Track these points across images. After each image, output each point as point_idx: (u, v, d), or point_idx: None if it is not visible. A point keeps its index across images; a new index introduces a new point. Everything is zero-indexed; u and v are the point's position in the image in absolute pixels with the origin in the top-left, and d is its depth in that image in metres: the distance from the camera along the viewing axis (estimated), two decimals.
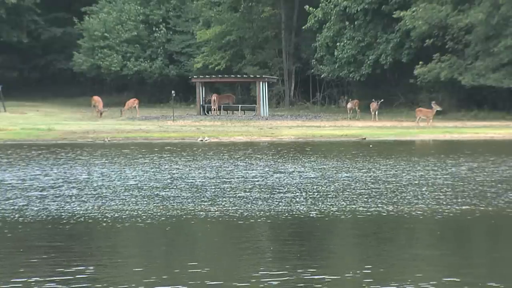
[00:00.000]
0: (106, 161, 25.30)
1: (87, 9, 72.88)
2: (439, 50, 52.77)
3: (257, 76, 58.43)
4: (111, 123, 47.22)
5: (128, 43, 69.46)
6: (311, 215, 14.42)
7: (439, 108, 46.82)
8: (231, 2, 64.87)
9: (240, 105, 58.32)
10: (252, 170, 22.12)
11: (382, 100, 51.44)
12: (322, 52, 59.34)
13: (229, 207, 15.34)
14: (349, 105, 53.27)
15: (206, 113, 55.96)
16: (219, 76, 59.80)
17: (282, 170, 21.85)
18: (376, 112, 50.55)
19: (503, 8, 50.10)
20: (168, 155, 27.72)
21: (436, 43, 52.66)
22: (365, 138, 36.59)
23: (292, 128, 43.37)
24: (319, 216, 14.37)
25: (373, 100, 51.13)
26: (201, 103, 56.69)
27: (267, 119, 52.14)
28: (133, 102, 57.01)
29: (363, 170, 21.71)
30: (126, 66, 68.93)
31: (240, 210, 14.94)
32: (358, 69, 57.37)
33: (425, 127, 43.50)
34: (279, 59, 64.42)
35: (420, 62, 52.87)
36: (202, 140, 35.72)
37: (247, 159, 25.66)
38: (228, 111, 57.29)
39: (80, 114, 56.43)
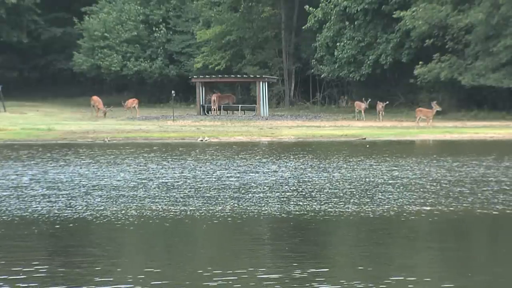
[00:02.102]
0: (91, 161, 25.18)
1: (87, 9, 72.90)
2: (439, 50, 52.77)
3: (257, 76, 58.44)
4: (111, 123, 47.21)
5: (128, 43, 69.47)
6: (273, 215, 14.42)
7: (439, 108, 46.76)
8: (231, 2, 64.89)
9: (240, 105, 58.32)
10: (232, 169, 22.06)
11: (387, 102, 51.29)
12: (322, 52, 59.35)
13: (192, 206, 15.32)
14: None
15: (206, 113, 55.96)
16: (219, 76, 59.80)
17: (259, 170, 21.80)
18: (382, 113, 50.24)
19: (503, 8, 50.10)
20: (153, 155, 27.64)
21: (436, 43, 52.67)
22: (365, 138, 36.56)
23: (292, 128, 43.36)
24: (280, 215, 14.37)
25: (378, 101, 50.81)
26: (201, 103, 56.70)
27: (267, 119, 52.12)
28: (132, 102, 57.05)
29: (342, 170, 21.66)
30: (126, 66, 68.94)
31: (201, 210, 14.93)
32: (358, 69, 57.38)
33: (425, 127, 43.49)
34: (279, 59, 64.43)
35: (420, 62, 52.87)
36: (202, 140, 35.68)
37: (232, 159, 25.60)
38: (228, 111, 57.29)
39: (80, 114, 56.42)
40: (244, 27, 65.11)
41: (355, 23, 57.12)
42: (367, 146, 32.10)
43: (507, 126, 42.95)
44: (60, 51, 76.41)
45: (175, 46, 69.37)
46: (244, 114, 56.26)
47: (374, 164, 23.51)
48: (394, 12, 54.33)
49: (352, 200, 15.99)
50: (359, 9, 56.26)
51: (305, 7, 59.60)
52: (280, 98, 64.78)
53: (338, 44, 57.73)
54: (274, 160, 25.26)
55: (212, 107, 55.90)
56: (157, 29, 69.43)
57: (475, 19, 50.39)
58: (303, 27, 59.52)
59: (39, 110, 59.44)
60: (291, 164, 23.68)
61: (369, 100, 50.90)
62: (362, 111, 51.01)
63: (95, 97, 56.81)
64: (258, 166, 23.11)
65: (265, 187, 18.14)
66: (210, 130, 41.21)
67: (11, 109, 57.18)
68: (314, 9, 58.60)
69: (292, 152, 28.42)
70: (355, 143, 34.19)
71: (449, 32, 52.08)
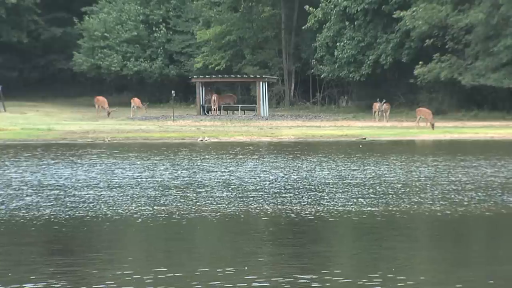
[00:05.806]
0: (69, 161, 24.95)
1: (87, 9, 72.88)
2: (439, 50, 52.83)
3: (257, 76, 58.46)
4: (111, 123, 47.23)
5: (128, 43, 69.49)
6: (205, 215, 14.43)
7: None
8: (231, 2, 64.94)
9: (240, 105, 58.36)
10: (194, 169, 22.04)
11: (385, 101, 51.23)
12: (322, 52, 59.39)
13: (136, 207, 15.31)
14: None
15: (206, 113, 55.99)
16: (219, 76, 59.83)
17: (217, 170, 21.77)
18: (388, 113, 50.20)
19: (503, 8, 50.16)
20: (137, 154, 27.57)
21: (436, 43, 52.72)
22: (365, 138, 36.56)
23: (292, 128, 43.39)
24: (215, 215, 14.42)
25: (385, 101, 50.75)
26: (201, 103, 56.73)
27: (267, 119, 52.16)
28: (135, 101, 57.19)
29: (301, 170, 21.56)
30: (126, 66, 68.95)
31: (142, 209, 14.93)
32: (358, 69, 57.42)
33: (424, 127, 43.50)
34: (279, 59, 64.46)
35: (420, 62, 52.92)
36: (202, 140, 35.67)
37: (199, 159, 25.54)
38: (228, 111, 57.32)
39: (80, 114, 56.41)
40: (244, 27, 65.14)
41: (355, 23, 57.17)
42: (360, 146, 31.99)
43: (507, 126, 43.00)
44: (60, 51, 76.35)
45: (175, 46, 69.39)
46: (244, 114, 56.29)
47: (343, 164, 23.41)
48: (394, 12, 54.37)
49: (293, 200, 16.04)
50: (359, 9, 56.30)
51: (305, 7, 59.65)
52: (280, 98, 64.81)
53: (338, 44, 57.78)
54: (246, 160, 25.03)
55: (212, 107, 55.93)
56: (157, 29, 69.44)
57: (475, 19, 50.44)
58: (303, 27, 59.57)
59: (39, 110, 59.44)
60: (255, 164, 23.61)
61: (384, 101, 50.71)
62: (377, 112, 50.94)
63: (101, 98, 56.42)
64: (222, 165, 23.05)
65: (210, 187, 18.16)
66: (210, 130, 41.24)
67: (11, 109, 57.18)
68: (314, 9, 58.65)
69: (276, 152, 28.33)
70: (349, 143, 33.99)
71: (449, 32, 52.13)
